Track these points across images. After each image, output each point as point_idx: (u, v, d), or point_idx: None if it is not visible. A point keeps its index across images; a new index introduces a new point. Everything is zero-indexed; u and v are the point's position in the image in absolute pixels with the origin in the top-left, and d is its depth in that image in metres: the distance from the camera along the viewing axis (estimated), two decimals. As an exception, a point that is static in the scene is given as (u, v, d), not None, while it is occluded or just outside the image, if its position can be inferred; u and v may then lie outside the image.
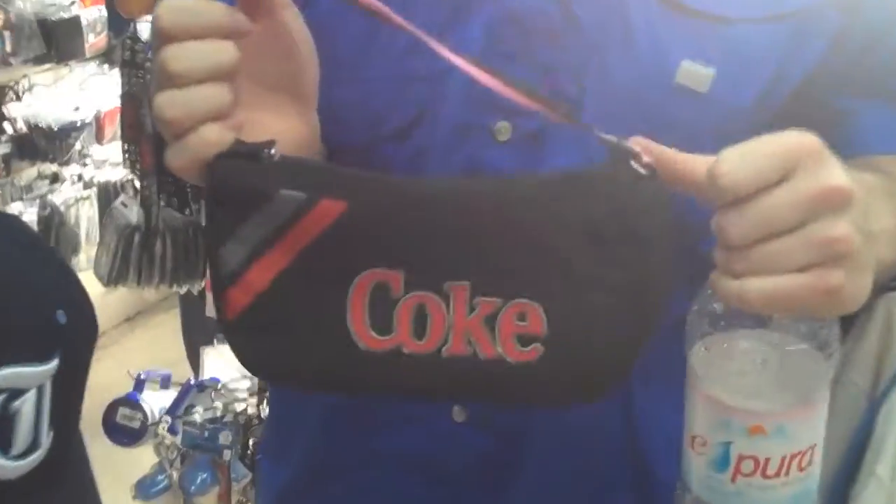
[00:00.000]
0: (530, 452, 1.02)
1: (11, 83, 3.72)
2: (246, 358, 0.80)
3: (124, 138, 2.67)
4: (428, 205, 0.76)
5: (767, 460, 0.78)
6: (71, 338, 0.90)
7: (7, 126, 3.73)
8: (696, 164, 0.73)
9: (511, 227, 0.75)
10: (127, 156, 2.65)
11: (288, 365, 0.79)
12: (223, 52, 0.77)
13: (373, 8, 0.79)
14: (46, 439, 0.88)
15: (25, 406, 0.86)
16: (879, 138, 0.98)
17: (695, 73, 0.92)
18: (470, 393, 0.80)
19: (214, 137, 0.77)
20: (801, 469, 0.79)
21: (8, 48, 3.60)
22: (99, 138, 4.06)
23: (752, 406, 0.77)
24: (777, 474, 0.79)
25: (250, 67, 0.80)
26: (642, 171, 0.74)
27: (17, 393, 0.85)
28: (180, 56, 0.76)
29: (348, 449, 1.10)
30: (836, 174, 0.70)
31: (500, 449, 1.02)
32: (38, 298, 0.89)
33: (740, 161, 0.69)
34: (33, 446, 0.87)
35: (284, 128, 0.84)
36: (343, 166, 0.81)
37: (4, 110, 3.69)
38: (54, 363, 0.88)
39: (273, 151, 0.76)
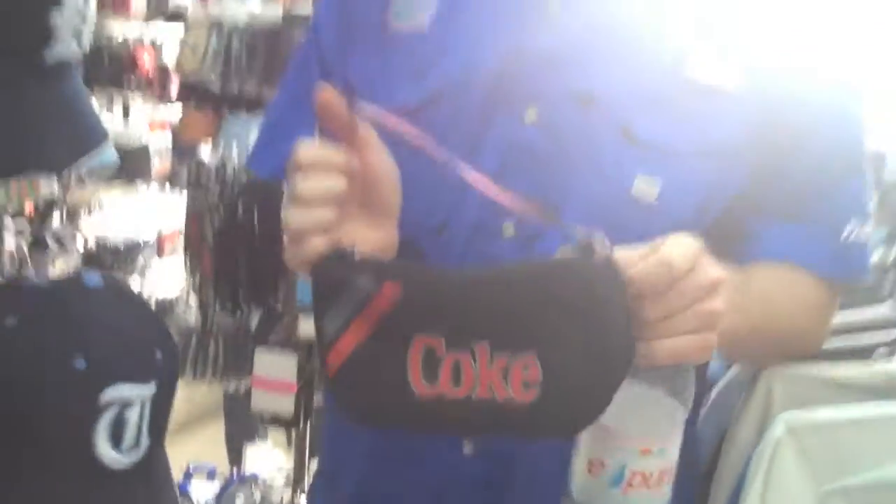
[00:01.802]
0: (519, 474, 1.30)
1: (85, 201, 4.12)
2: (342, 405, 1.06)
3: (187, 249, 3.04)
4: (456, 288, 1.01)
5: (651, 474, 1.05)
6: (164, 371, 1.24)
7: (79, 240, 4.11)
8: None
9: (514, 301, 1.00)
10: (188, 265, 3.02)
11: (368, 410, 1.06)
12: (337, 184, 1.06)
13: (410, 136, 1.09)
14: (145, 442, 1.21)
15: (132, 415, 1.19)
16: (772, 253, 1.28)
17: (645, 186, 1.21)
18: (491, 428, 1.04)
19: (320, 247, 1.03)
20: (667, 482, 1.06)
21: (84, 170, 4.01)
22: (159, 253, 4.45)
23: (643, 434, 1.05)
24: (658, 484, 1.05)
25: (351, 194, 1.09)
26: (602, 259, 0.99)
27: (127, 404, 1.19)
28: (309, 184, 1.05)
29: (385, 481, 1.39)
30: (714, 269, 1.01)
31: (497, 474, 1.30)
32: (144, 342, 1.23)
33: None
34: (137, 445, 1.20)
35: (372, 235, 1.14)
36: (399, 259, 1.13)
37: (77, 227, 4.07)
38: (153, 387, 1.22)
39: (354, 254, 1.04)
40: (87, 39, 1.25)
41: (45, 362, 1.14)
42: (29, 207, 3.62)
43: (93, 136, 1.23)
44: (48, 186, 3.66)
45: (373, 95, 1.27)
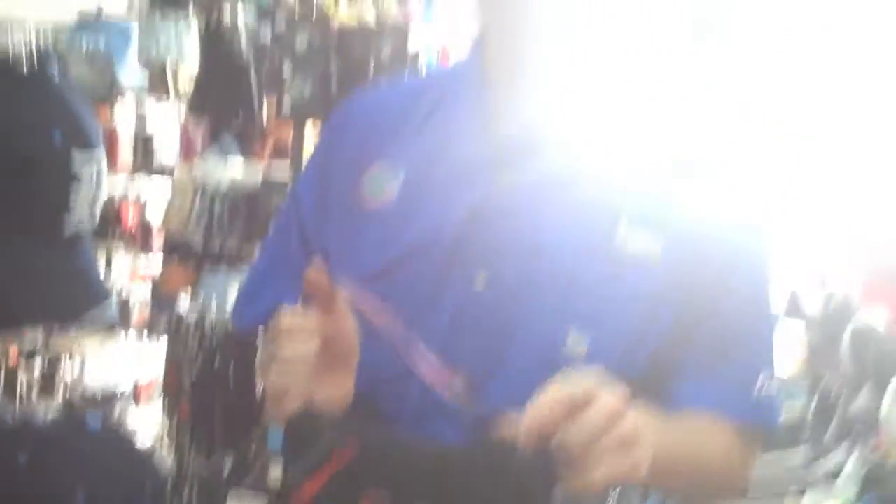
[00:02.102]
0: None
1: (65, 351, 4.26)
2: None
3: (165, 395, 3.18)
4: (405, 453, 1.17)
5: None
6: (152, 500, 1.40)
7: (59, 390, 4.23)
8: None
9: (446, 475, 1.14)
10: (166, 410, 3.16)
11: None
12: (314, 347, 1.23)
13: (373, 313, 1.30)
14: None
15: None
16: (693, 406, 1.43)
17: (576, 339, 1.37)
18: None
19: (294, 406, 1.21)
20: None
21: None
22: (136, 401, 4.57)
23: None
24: None
25: (321, 353, 1.27)
26: (519, 443, 1.13)
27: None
28: (291, 348, 1.22)
29: None
30: (615, 393, 1.15)
31: None
32: (135, 476, 1.40)
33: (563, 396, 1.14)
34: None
35: (334, 388, 1.29)
36: (357, 416, 1.30)
37: (57, 376, 4.19)
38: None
39: (320, 415, 1.22)
40: (98, 210, 1.43)
41: (51, 497, 1.29)
42: (13, 353, 3.77)
43: (98, 295, 1.41)
44: (32, 333, 3.81)
45: (345, 260, 1.47)
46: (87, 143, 1.37)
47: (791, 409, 1.92)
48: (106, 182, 1.41)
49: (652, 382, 1.41)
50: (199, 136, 4.47)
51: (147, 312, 4.56)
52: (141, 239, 4.49)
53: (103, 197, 1.41)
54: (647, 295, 1.40)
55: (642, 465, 1.15)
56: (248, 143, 3.72)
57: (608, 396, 1.15)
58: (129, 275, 4.60)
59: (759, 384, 1.46)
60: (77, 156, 1.35)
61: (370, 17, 6.15)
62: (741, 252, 1.47)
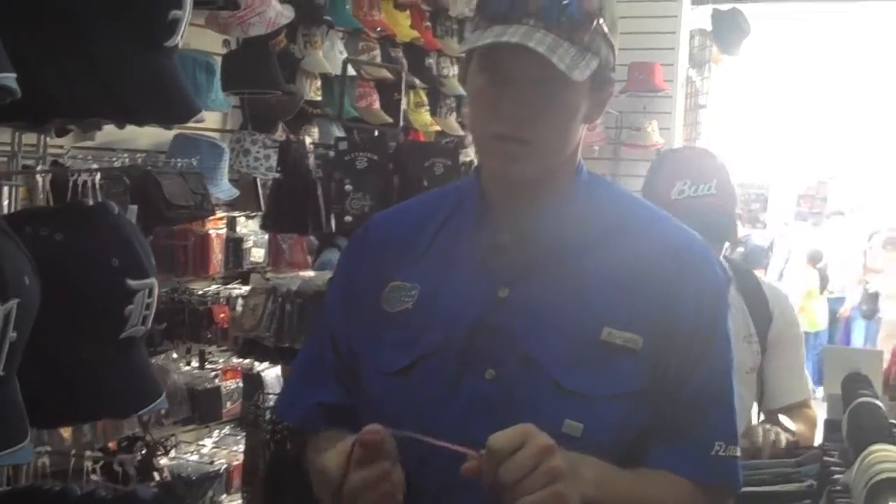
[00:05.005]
0: None
1: (162, 440, 4.62)
2: None
3: (244, 482, 3.50)
4: None
5: None
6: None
7: (156, 474, 4.57)
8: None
9: None
10: (246, 495, 3.47)
11: None
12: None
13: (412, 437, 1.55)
14: None
15: None
16: (655, 465, 1.72)
17: (571, 428, 1.65)
18: None
19: None
20: None
21: (162, 411, 4.55)
22: (227, 489, 4.90)
23: None
24: None
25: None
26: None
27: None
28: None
29: None
30: (544, 439, 1.47)
31: None
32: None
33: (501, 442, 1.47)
34: None
35: None
36: None
37: (155, 462, 4.55)
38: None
39: None
40: (150, 321, 1.77)
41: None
42: (113, 444, 4.12)
43: (152, 391, 1.74)
44: (130, 426, 4.18)
45: (372, 360, 1.78)
46: (140, 273, 1.71)
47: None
48: (156, 299, 1.75)
49: (636, 452, 1.71)
50: (285, 244, 4.88)
51: (238, 405, 4.92)
52: (231, 339, 4.83)
53: (153, 310, 1.75)
54: (631, 384, 1.69)
55: (570, 497, 1.49)
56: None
57: (540, 440, 1.48)
58: (222, 371, 4.95)
59: (714, 449, 1.74)
60: (131, 282, 1.69)
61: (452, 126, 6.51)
62: (704, 353, 1.76)
